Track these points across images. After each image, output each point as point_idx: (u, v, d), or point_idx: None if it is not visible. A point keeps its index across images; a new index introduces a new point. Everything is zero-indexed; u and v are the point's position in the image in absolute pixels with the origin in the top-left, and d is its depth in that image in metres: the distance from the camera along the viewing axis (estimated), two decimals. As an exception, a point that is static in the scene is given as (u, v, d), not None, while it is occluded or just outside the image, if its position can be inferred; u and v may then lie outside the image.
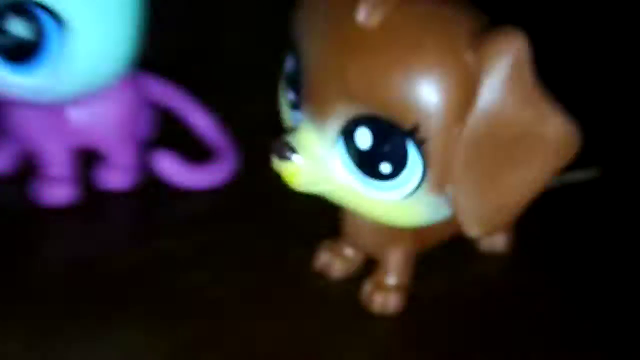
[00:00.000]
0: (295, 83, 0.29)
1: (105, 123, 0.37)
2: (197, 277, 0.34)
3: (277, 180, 0.30)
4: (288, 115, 0.30)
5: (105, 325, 0.32)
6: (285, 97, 0.30)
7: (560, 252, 0.37)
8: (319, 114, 0.28)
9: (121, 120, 0.37)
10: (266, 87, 0.33)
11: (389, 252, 0.33)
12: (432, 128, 0.27)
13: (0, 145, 0.38)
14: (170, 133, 0.40)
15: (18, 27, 0.32)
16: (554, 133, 0.28)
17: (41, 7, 0.31)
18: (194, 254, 0.36)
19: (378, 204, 0.29)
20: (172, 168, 0.38)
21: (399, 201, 0.28)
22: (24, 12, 0.31)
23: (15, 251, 0.36)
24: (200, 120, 0.40)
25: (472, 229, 0.29)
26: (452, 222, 0.30)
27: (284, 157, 0.28)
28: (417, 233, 0.32)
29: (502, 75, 0.26)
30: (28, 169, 0.38)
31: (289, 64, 0.29)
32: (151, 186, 0.38)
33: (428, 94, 0.26)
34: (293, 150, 0.28)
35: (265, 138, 0.38)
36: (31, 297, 0.33)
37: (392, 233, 0.32)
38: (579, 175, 0.40)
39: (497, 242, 0.36)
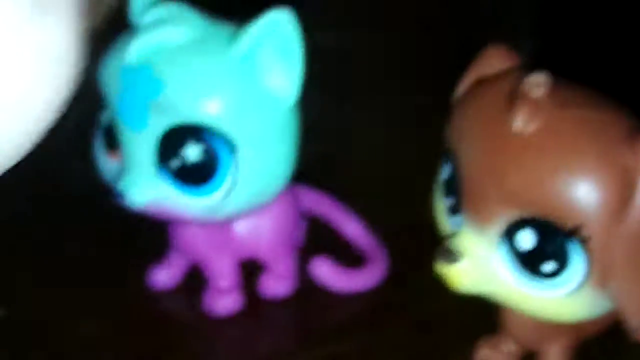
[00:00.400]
0: (453, 189, 0.31)
1: (267, 235, 0.39)
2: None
3: (428, 280, 0.31)
4: (445, 221, 0.32)
5: None
6: (443, 203, 0.32)
7: None
8: (480, 218, 0.29)
9: (281, 231, 0.39)
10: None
11: (549, 346, 0.34)
12: (593, 227, 0.28)
13: (170, 260, 0.41)
14: (322, 239, 0.43)
15: (190, 151, 0.34)
16: None
17: (215, 133, 0.34)
18: (357, 356, 0.37)
19: (541, 302, 0.30)
20: (329, 274, 0.40)
21: (562, 298, 0.29)
22: (200, 138, 0.34)
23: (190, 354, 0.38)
24: (351, 227, 0.42)
25: (633, 321, 0.30)
26: (608, 315, 0.31)
27: (449, 260, 0.30)
28: (576, 327, 0.33)
29: None
30: (196, 280, 0.40)
31: (445, 171, 0.31)
32: (308, 292, 0.41)
33: (589, 195, 0.28)
34: (458, 254, 0.29)
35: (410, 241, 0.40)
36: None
37: (552, 328, 0.33)
38: None
39: None
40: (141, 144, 0.34)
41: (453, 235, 0.30)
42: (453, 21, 0.61)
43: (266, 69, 0.34)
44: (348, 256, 0.41)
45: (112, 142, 0.36)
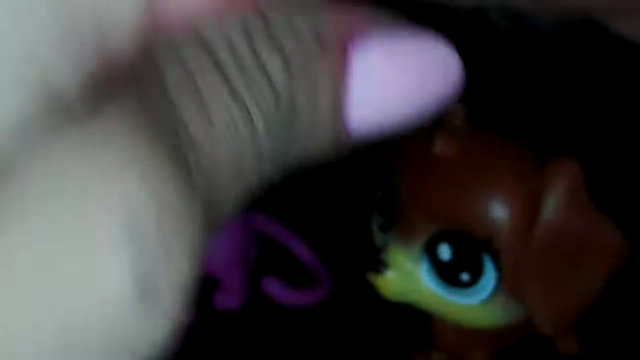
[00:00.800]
0: (384, 209, 0.34)
1: (219, 255, 0.43)
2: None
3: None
4: (378, 237, 0.35)
5: None
6: (376, 222, 0.35)
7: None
8: (405, 233, 0.33)
9: (232, 252, 0.43)
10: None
11: (473, 353, 0.37)
12: (504, 240, 0.31)
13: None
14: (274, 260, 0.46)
15: None
16: (608, 241, 0.32)
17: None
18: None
19: (459, 309, 0.33)
20: (278, 291, 0.44)
21: (477, 305, 0.33)
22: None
23: None
24: (298, 248, 0.46)
25: (544, 328, 0.33)
26: (526, 323, 0.34)
27: (378, 271, 0.33)
28: (497, 334, 0.36)
29: (560, 194, 0.31)
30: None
31: (379, 195, 0.35)
32: (257, 306, 0.44)
33: (499, 211, 0.31)
34: (385, 266, 0.33)
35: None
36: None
37: (475, 335, 0.36)
38: None
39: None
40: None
41: (382, 248, 0.33)
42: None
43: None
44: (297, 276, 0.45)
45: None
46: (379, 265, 0.33)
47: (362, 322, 0.43)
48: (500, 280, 0.32)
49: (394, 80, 0.21)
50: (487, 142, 0.32)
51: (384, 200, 0.34)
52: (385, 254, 0.33)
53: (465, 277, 0.32)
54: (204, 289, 0.44)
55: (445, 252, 0.32)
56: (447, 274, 0.32)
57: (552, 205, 0.31)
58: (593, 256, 0.32)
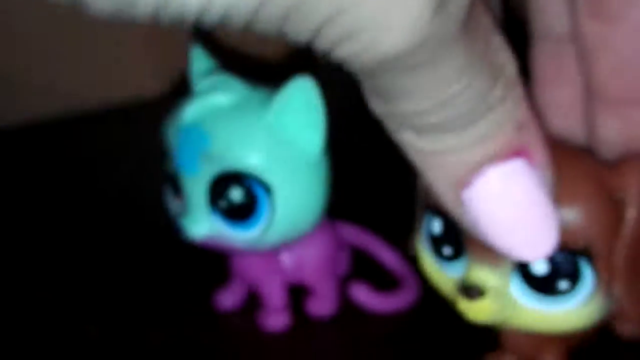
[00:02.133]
0: (449, 239, 0.34)
1: (310, 264, 0.46)
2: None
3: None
4: (440, 271, 0.35)
5: None
6: (435, 255, 0.35)
7: None
8: (489, 258, 0.32)
9: (322, 260, 0.46)
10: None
11: (544, 354, 0.38)
12: (598, 245, 0.32)
13: (232, 285, 0.48)
14: (364, 268, 0.49)
15: (234, 193, 0.42)
16: None
17: (254, 179, 0.41)
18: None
19: (554, 316, 0.33)
20: (366, 297, 0.47)
21: (573, 309, 0.33)
22: (241, 183, 0.41)
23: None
24: (386, 256, 0.49)
25: (631, 326, 0.34)
26: (596, 324, 0.35)
27: (471, 297, 0.33)
28: (568, 336, 0.36)
29: (638, 192, 0.32)
30: (254, 302, 0.48)
31: (435, 225, 0.34)
32: (349, 312, 0.47)
33: (590, 217, 0.32)
34: (479, 291, 0.33)
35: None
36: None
37: (546, 339, 0.37)
38: None
39: None
40: (195, 187, 0.42)
41: (467, 274, 0.33)
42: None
43: (294, 126, 0.41)
44: (385, 281, 0.48)
45: (176, 187, 0.44)
46: (472, 291, 0.33)
47: (445, 327, 0.45)
48: (596, 283, 0.32)
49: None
50: (563, 153, 0.33)
51: (447, 229, 0.34)
52: (471, 278, 0.33)
53: (564, 285, 0.32)
54: (297, 297, 0.47)
55: (540, 266, 0.32)
56: (544, 286, 0.33)
57: (633, 204, 0.32)
58: None
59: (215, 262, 0.48)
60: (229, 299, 0.48)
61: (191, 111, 0.42)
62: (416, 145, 0.29)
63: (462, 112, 0.27)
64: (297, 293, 0.48)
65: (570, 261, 0.32)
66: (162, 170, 0.45)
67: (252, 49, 0.56)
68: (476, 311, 0.33)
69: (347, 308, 0.47)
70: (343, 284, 0.48)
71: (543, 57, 0.36)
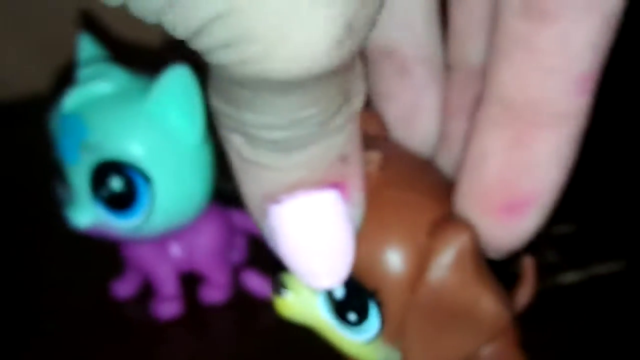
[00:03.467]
0: None
1: (200, 251, 0.46)
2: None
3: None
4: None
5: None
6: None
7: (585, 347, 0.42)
8: None
9: (213, 247, 0.47)
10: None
11: None
12: (388, 294, 0.32)
13: (126, 274, 0.48)
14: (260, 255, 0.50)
15: (114, 183, 0.42)
16: (486, 312, 0.32)
17: (133, 168, 0.41)
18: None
19: (345, 343, 0.34)
20: (258, 284, 0.47)
21: (361, 344, 0.34)
22: (120, 172, 0.41)
23: (143, 357, 0.45)
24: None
25: None
26: None
27: (277, 292, 0.34)
28: None
29: (446, 260, 0.32)
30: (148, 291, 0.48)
31: None
32: (242, 299, 0.48)
33: (386, 266, 0.32)
34: (285, 288, 0.34)
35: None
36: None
37: None
38: (605, 269, 0.45)
39: None
40: (78, 177, 0.42)
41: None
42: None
43: (171, 115, 0.41)
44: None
45: (61, 176, 0.44)
46: (279, 287, 0.34)
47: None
48: (382, 327, 0.33)
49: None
50: (390, 195, 0.33)
51: None
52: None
53: (352, 317, 0.33)
54: (191, 284, 0.47)
55: (339, 291, 0.33)
56: (337, 310, 0.34)
57: (437, 269, 0.32)
58: (470, 323, 0.33)
59: (112, 251, 0.48)
60: (124, 288, 0.48)
61: (71, 100, 0.42)
62: (242, 152, 0.28)
63: (301, 134, 0.26)
64: (193, 281, 0.48)
65: (361, 297, 0.33)
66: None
67: (142, 37, 0.55)
68: (278, 305, 0.34)
69: (242, 295, 0.48)
70: (240, 271, 0.48)
71: (455, 87, 0.35)
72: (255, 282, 0.47)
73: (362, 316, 0.33)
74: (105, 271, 0.49)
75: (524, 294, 0.38)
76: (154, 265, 0.46)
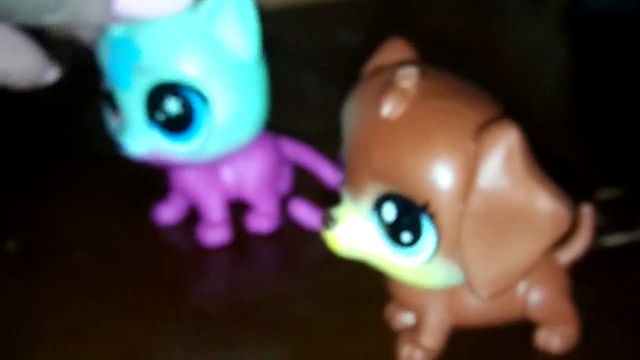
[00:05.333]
0: (342, 165, 0.35)
1: (250, 178, 0.46)
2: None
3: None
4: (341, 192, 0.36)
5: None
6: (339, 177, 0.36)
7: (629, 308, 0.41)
8: (354, 191, 0.34)
9: (262, 175, 0.46)
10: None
11: (424, 314, 0.37)
12: (440, 205, 0.32)
13: (172, 200, 0.48)
14: (306, 185, 0.49)
15: (171, 105, 0.41)
16: (544, 211, 0.32)
17: (190, 89, 0.40)
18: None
19: (403, 268, 0.34)
20: (306, 214, 0.46)
21: (419, 265, 0.34)
22: (177, 93, 0.41)
23: (182, 283, 0.45)
24: (327, 172, 0.48)
25: (479, 291, 0.34)
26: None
27: (328, 226, 0.34)
28: (450, 303, 0.37)
29: (495, 162, 0.31)
30: (194, 216, 0.47)
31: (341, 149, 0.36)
32: (289, 229, 0.47)
33: (436, 176, 0.32)
34: (335, 221, 0.34)
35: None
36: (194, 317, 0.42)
37: (426, 297, 0.37)
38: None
39: (554, 342, 0.39)
40: (132, 102, 0.41)
41: (337, 204, 0.35)
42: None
43: (226, 32, 0.41)
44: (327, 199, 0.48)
45: (113, 104, 0.43)
46: (330, 220, 0.34)
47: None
48: (438, 243, 0.33)
49: None
50: (432, 106, 0.33)
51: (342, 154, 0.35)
52: (336, 209, 0.34)
53: (406, 237, 0.33)
54: (238, 212, 0.47)
55: (390, 212, 0.33)
56: (391, 233, 0.33)
57: (487, 173, 0.32)
58: (529, 226, 0.32)
59: (154, 176, 0.47)
60: (168, 213, 0.48)
61: (120, 26, 0.41)
62: None
63: None
64: (238, 208, 0.47)
65: (413, 214, 0.32)
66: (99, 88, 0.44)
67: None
68: (330, 240, 0.34)
69: (288, 224, 0.47)
70: (285, 201, 0.47)
71: None
72: (304, 212, 0.46)
73: (416, 234, 0.33)
74: (146, 195, 0.49)
75: (581, 242, 0.38)
76: (204, 191, 0.46)
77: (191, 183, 0.46)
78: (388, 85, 0.33)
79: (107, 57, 0.42)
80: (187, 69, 0.40)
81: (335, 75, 0.51)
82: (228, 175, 0.46)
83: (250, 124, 0.43)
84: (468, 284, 0.34)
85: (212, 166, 0.45)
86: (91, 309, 0.43)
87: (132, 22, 0.40)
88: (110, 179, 0.51)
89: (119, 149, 0.43)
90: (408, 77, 0.33)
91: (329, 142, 0.43)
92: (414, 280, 0.35)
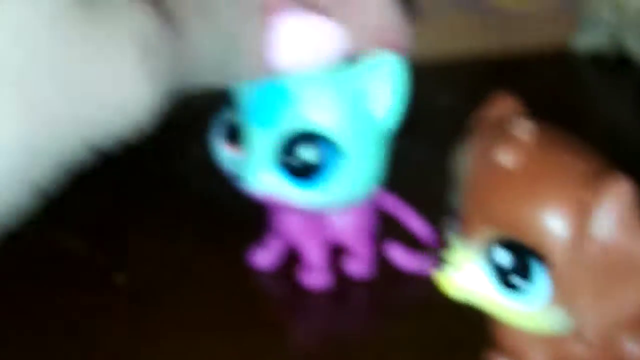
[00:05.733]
0: (453, 211, 0.37)
1: (353, 227, 0.47)
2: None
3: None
4: (448, 234, 0.37)
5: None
6: (448, 221, 0.37)
7: None
8: (467, 235, 0.35)
9: (365, 224, 0.47)
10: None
11: (533, 355, 0.37)
12: (553, 251, 0.33)
13: (269, 243, 0.48)
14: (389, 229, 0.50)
15: (306, 153, 0.42)
16: None
17: (328, 141, 0.42)
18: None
19: (514, 312, 0.35)
20: (402, 257, 0.48)
21: (532, 313, 0.34)
22: (313, 141, 0.42)
23: (282, 324, 0.46)
24: (415, 224, 0.50)
25: (589, 337, 0.34)
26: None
27: (441, 268, 0.35)
28: (555, 351, 0.37)
29: (610, 212, 0.33)
30: (292, 261, 0.48)
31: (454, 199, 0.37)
32: (386, 272, 0.48)
33: (550, 223, 0.33)
34: (447, 263, 0.35)
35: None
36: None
37: (532, 343, 0.37)
38: None
39: None
40: (266, 141, 0.42)
41: (447, 246, 0.36)
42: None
43: (374, 99, 0.43)
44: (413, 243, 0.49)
45: (234, 136, 0.44)
46: (442, 263, 0.35)
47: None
48: (551, 291, 0.34)
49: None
50: (548, 157, 0.34)
51: (455, 200, 0.37)
52: (447, 252, 0.36)
53: (518, 282, 0.34)
54: (337, 257, 0.48)
55: (502, 257, 0.34)
56: (502, 278, 0.34)
57: (602, 222, 0.33)
58: None
59: (248, 220, 0.48)
60: (265, 256, 0.48)
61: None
62: None
63: None
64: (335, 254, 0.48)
65: (526, 260, 0.34)
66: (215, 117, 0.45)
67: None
68: (442, 282, 0.35)
69: (383, 269, 0.48)
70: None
71: None
72: (400, 255, 0.48)
73: (529, 280, 0.34)
74: (241, 238, 0.49)
75: None
76: (307, 235, 0.47)
77: (294, 227, 0.47)
78: (505, 137, 0.35)
79: (251, 95, 0.43)
80: (331, 122, 0.42)
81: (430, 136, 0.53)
82: (332, 223, 0.47)
83: (369, 184, 0.44)
84: (578, 331, 0.35)
85: (317, 213, 0.46)
86: (192, 346, 0.43)
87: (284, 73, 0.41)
88: (204, 219, 0.52)
89: (235, 182, 0.44)
90: (525, 129, 0.35)
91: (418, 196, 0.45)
92: (524, 324, 0.36)
